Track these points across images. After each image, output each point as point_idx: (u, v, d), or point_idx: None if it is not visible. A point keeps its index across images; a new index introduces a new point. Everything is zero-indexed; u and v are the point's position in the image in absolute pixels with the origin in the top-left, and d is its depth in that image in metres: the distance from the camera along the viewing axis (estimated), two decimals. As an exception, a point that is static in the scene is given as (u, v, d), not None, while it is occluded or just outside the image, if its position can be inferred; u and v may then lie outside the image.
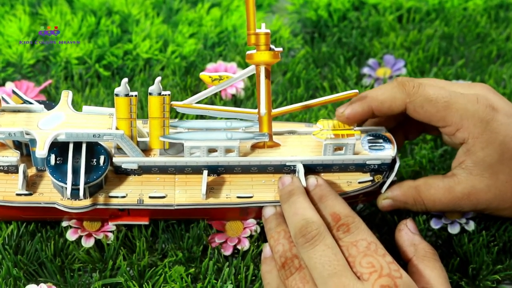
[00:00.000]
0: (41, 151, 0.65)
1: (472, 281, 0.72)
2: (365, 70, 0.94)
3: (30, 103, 0.71)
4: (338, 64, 0.94)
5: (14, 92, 0.72)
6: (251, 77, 0.91)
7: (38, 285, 0.67)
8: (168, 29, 0.97)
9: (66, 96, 0.71)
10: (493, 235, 0.75)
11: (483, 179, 0.68)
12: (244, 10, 1.01)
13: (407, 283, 0.57)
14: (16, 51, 0.93)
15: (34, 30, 0.96)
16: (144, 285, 0.70)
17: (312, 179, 0.67)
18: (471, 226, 0.75)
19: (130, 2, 1.01)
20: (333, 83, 0.92)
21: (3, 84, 0.89)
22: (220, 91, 0.88)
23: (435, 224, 0.75)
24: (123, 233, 0.72)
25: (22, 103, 0.71)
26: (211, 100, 0.88)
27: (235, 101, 0.89)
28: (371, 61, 0.94)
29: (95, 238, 0.71)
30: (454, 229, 0.75)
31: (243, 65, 0.93)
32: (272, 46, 0.67)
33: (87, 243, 0.71)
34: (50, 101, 0.72)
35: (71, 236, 0.71)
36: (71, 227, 0.72)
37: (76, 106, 0.71)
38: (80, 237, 0.71)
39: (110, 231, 0.72)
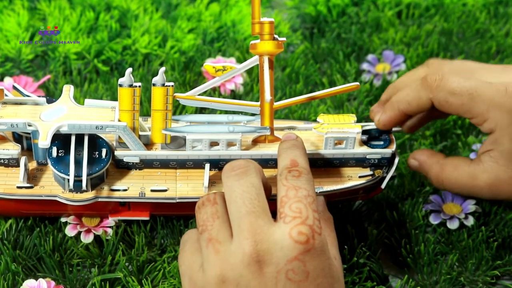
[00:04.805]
0: (43, 141, 0.65)
1: (471, 277, 0.72)
2: (364, 65, 0.94)
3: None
4: (337, 60, 0.94)
5: (14, 87, 0.72)
6: (250, 72, 0.91)
7: (36, 280, 0.67)
8: (167, 24, 0.97)
9: (68, 90, 0.71)
10: (492, 231, 0.75)
11: (508, 171, 0.67)
12: (243, 6, 1.01)
13: (323, 241, 0.57)
14: (15, 46, 0.93)
15: (33, 25, 0.96)
16: (143, 281, 0.70)
17: (293, 134, 0.67)
18: (470, 221, 0.75)
19: (129, -3, 1.00)
20: (332, 78, 0.92)
21: (1, 79, 0.89)
22: (219, 86, 0.88)
23: (434, 220, 0.75)
24: (122, 229, 0.72)
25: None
26: (210, 95, 0.88)
27: (234, 97, 0.89)
28: (370, 56, 0.94)
29: (94, 233, 0.71)
30: (453, 225, 0.75)
31: (242, 60, 0.93)
32: (276, 36, 0.67)
33: (86, 238, 0.71)
34: (51, 97, 0.72)
35: (70, 231, 0.71)
36: (69, 223, 0.72)
37: (75, 101, 0.71)
38: (79, 232, 0.71)
39: (109, 227, 0.72)
